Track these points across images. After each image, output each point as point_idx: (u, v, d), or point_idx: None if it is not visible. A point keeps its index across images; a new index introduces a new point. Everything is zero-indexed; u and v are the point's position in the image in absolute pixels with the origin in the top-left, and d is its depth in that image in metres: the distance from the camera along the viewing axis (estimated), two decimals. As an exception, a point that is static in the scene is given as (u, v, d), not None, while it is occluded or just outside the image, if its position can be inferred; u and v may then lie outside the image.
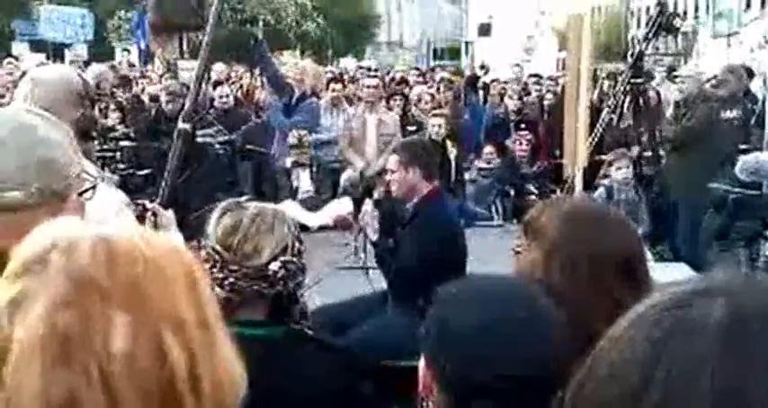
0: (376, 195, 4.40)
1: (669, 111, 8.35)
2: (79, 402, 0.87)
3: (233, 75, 12.57)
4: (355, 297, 4.35)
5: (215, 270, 2.09)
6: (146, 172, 4.37)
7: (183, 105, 3.15)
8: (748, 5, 25.69)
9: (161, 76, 11.83)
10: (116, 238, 0.97)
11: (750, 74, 10.28)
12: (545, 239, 1.83)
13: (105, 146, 5.34)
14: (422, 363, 1.44)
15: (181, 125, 3.01)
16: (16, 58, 14.63)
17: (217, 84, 10.34)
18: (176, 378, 0.91)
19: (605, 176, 6.67)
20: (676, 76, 8.09)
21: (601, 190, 6.38)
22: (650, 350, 0.69)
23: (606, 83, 9.75)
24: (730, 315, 0.68)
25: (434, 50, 41.18)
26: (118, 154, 6.27)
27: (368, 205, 4.37)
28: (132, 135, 6.97)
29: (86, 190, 1.71)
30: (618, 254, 1.79)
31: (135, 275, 0.94)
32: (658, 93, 9.31)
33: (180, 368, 0.92)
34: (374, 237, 4.23)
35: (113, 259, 0.94)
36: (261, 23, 27.89)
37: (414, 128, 9.12)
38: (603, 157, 6.91)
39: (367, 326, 3.99)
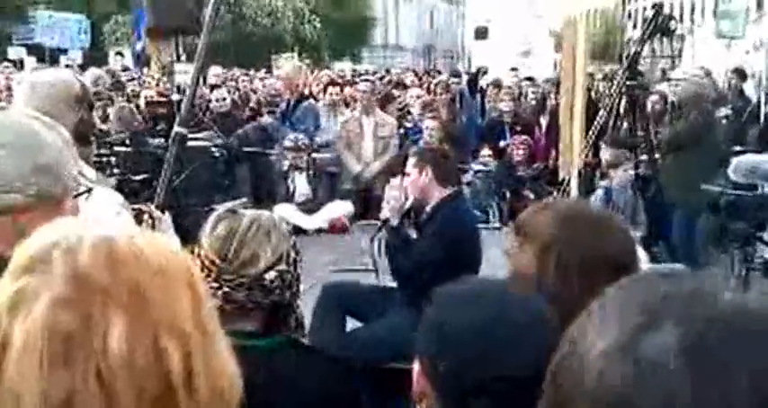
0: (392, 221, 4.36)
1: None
2: (77, 400, 0.88)
3: (229, 76, 12.58)
4: (372, 286, 4.43)
5: (209, 279, 2.04)
6: (142, 176, 4.36)
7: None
8: (747, 9, 25.70)
9: (158, 80, 11.84)
10: (118, 239, 0.98)
11: (743, 76, 10.32)
12: (539, 239, 1.83)
13: (101, 151, 5.32)
14: (416, 365, 1.44)
15: (177, 129, 3.02)
16: (14, 63, 14.64)
17: (214, 87, 10.36)
18: (173, 380, 0.92)
19: (602, 176, 6.65)
20: (670, 79, 8.11)
21: (599, 192, 6.36)
22: (621, 387, 0.68)
23: (602, 85, 9.77)
24: (685, 343, 0.67)
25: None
26: (113, 159, 6.26)
27: (393, 189, 4.39)
28: (127, 140, 6.96)
29: (81, 194, 1.72)
30: (611, 259, 1.78)
31: (136, 276, 0.94)
32: (665, 96, 9.17)
33: (176, 370, 0.92)
34: (395, 221, 4.28)
35: (115, 260, 0.95)
36: (258, 26, 27.92)
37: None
38: (607, 158, 6.88)
39: (375, 327, 4.04)
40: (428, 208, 4.26)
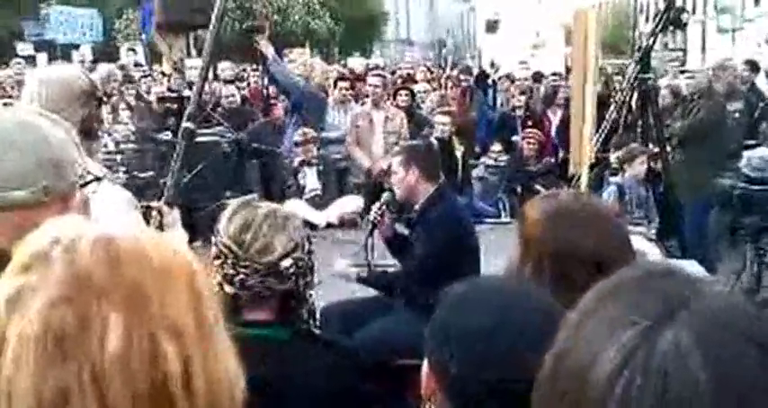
0: (385, 197, 4.44)
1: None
2: (70, 400, 0.87)
3: (243, 74, 12.57)
4: (369, 296, 4.40)
5: (226, 266, 2.11)
6: (148, 174, 4.35)
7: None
8: (757, 1, 25.56)
9: (168, 76, 11.82)
10: (119, 238, 0.97)
11: (755, 68, 10.22)
12: (525, 230, 1.90)
13: (109, 149, 5.35)
14: (425, 366, 1.43)
15: (185, 124, 3.02)
16: (26, 59, 14.69)
17: (226, 82, 10.36)
18: (170, 381, 0.91)
19: (613, 174, 6.61)
20: (684, 71, 8.05)
21: (612, 188, 6.31)
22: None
23: (616, 79, 9.71)
24: (699, 339, 0.67)
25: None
26: (119, 156, 6.27)
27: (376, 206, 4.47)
28: (132, 137, 6.97)
29: (89, 183, 1.72)
30: (588, 255, 1.79)
31: (136, 276, 0.93)
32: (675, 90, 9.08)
33: (174, 372, 0.91)
34: (388, 233, 4.39)
35: (115, 258, 0.93)
36: (267, 22, 27.93)
37: (418, 124, 9.10)
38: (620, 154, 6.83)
39: (378, 325, 4.02)
40: (417, 207, 4.26)
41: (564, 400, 0.73)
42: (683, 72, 8.41)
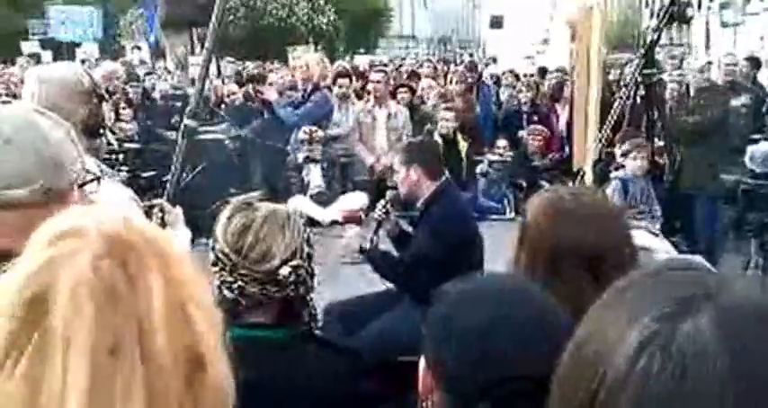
0: (389, 195, 4.44)
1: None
2: (121, 349, 0.90)
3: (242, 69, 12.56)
4: (371, 293, 4.39)
5: (224, 272, 2.06)
6: (150, 173, 4.35)
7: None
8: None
9: (173, 74, 11.82)
10: (142, 223, 1.03)
11: (756, 64, 10.19)
12: (523, 225, 1.93)
13: (111, 147, 5.35)
14: (422, 363, 1.42)
15: (186, 122, 3.01)
16: (31, 57, 14.70)
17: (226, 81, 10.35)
18: (200, 342, 0.95)
19: (618, 167, 6.58)
20: (708, 62, 8.02)
21: (615, 183, 6.29)
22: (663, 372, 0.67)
23: (616, 74, 9.68)
24: (720, 325, 0.67)
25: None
26: (121, 156, 6.25)
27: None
28: (136, 136, 6.96)
29: (89, 182, 1.71)
30: (581, 250, 1.81)
31: (164, 247, 0.99)
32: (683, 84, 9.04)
33: (204, 333, 0.95)
34: (393, 232, 4.41)
35: (144, 231, 0.99)
36: (273, 18, 27.93)
37: (422, 120, 9.08)
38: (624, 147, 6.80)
39: (380, 323, 4.01)
40: (419, 204, 4.26)
41: (582, 386, 0.73)
42: (709, 63, 8.28)
